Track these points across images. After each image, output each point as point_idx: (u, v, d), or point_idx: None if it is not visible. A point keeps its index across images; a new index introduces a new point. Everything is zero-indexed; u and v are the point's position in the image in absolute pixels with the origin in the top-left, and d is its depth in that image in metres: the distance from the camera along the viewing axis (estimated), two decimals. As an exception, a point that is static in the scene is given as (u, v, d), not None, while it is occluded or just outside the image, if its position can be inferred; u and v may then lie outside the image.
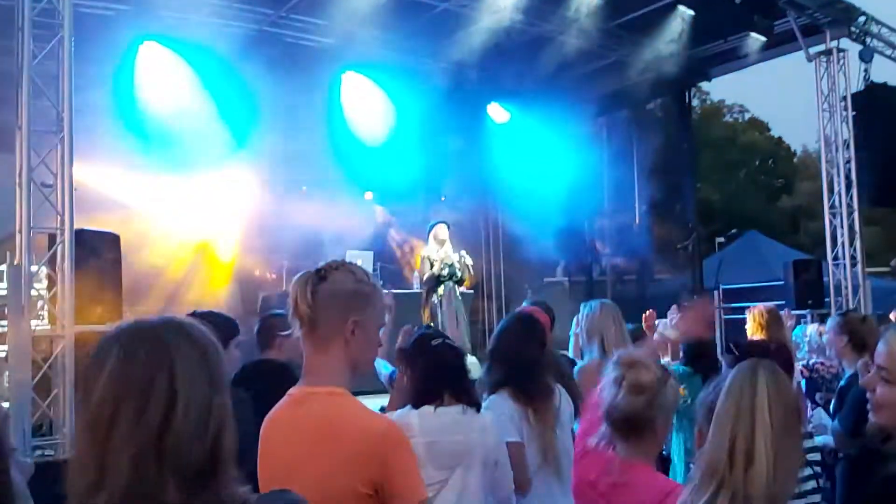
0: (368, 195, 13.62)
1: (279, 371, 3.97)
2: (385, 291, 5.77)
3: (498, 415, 3.44)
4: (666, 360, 5.98)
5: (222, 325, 3.55)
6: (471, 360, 7.86)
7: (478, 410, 3.21)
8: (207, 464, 1.26)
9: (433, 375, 3.21)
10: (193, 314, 3.58)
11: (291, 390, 2.15)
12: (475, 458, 3.07)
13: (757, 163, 36.47)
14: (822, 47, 11.30)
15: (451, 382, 3.20)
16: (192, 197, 12.19)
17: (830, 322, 5.28)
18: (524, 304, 5.36)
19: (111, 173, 11.21)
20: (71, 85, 5.87)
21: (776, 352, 3.66)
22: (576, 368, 4.43)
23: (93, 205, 10.05)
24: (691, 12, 10.09)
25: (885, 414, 1.89)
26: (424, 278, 9.13)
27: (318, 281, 2.07)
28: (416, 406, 3.13)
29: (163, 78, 10.70)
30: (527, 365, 3.57)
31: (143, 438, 1.20)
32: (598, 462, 2.59)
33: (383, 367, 4.09)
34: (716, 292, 12.75)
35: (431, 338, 3.40)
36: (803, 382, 5.77)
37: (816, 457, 3.92)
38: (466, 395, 3.20)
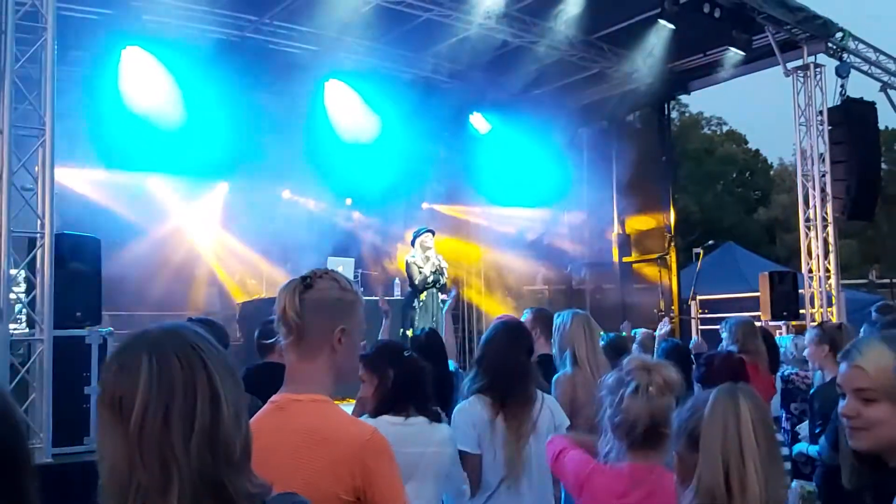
0: (348, 201, 13.63)
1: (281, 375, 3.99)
2: (385, 297, 5.76)
3: (462, 422, 3.49)
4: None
5: (218, 331, 3.57)
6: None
7: (439, 422, 3.26)
8: (243, 456, 1.33)
9: (401, 387, 3.24)
10: (190, 320, 3.61)
11: (274, 397, 2.15)
12: (428, 471, 3.10)
13: (734, 175, 36.79)
14: (799, 62, 11.49)
15: (418, 395, 3.24)
16: (173, 201, 12.19)
17: (809, 334, 5.37)
18: (525, 312, 5.35)
19: (92, 177, 11.18)
20: (53, 88, 5.85)
21: (739, 363, 3.68)
22: (553, 378, 4.44)
23: (74, 208, 10.11)
24: (671, 26, 10.18)
25: (872, 434, 1.85)
26: (416, 281, 9.14)
27: (305, 289, 2.09)
28: (374, 415, 3.15)
29: (145, 83, 10.65)
30: (508, 373, 3.57)
31: (200, 436, 1.25)
32: (619, 476, 2.53)
33: None
34: (692, 303, 12.85)
35: (402, 349, 3.45)
36: (779, 393, 5.86)
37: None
38: (432, 410, 3.25)
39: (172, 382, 1.27)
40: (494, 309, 13.35)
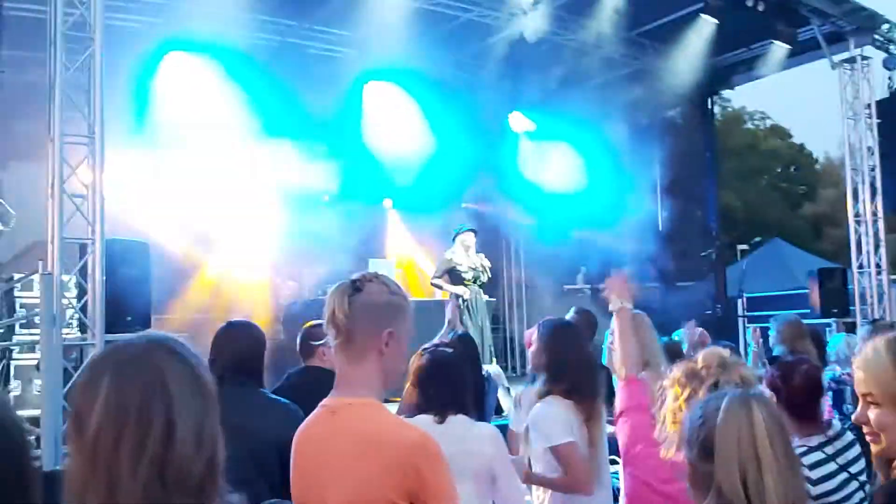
0: (388, 202, 13.68)
1: (328, 378, 4.02)
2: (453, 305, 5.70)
3: (546, 417, 3.47)
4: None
5: (259, 334, 3.60)
6: (494, 370, 7.89)
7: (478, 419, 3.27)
8: (206, 478, 1.30)
9: (429, 383, 3.25)
10: (230, 324, 3.64)
11: (325, 401, 2.17)
12: (466, 470, 3.03)
13: (779, 170, 36.25)
14: (845, 55, 11.27)
15: (446, 393, 3.23)
16: (218, 205, 12.31)
17: (861, 332, 5.27)
18: (569, 312, 5.29)
19: (138, 182, 11.34)
20: (102, 96, 5.97)
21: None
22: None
23: (122, 214, 10.28)
24: (714, 21, 10.06)
25: (882, 440, 1.85)
26: (433, 281, 9.17)
27: (354, 292, 2.10)
28: (411, 416, 3.17)
29: (188, 88, 10.81)
30: (581, 372, 3.58)
31: (147, 463, 1.24)
32: (671, 465, 2.49)
33: None
34: (739, 301, 12.68)
35: (434, 343, 3.45)
36: (830, 395, 5.73)
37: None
38: (461, 407, 3.22)
39: (127, 407, 1.26)
40: (534, 311, 13.30)
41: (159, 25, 10.19)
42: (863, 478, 2.93)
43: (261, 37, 11.18)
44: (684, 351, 6.11)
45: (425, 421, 3.11)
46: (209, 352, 3.45)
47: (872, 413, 1.85)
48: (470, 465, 3.06)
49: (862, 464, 2.98)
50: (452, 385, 3.26)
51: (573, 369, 3.59)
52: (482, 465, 3.11)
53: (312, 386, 3.88)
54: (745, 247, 25.13)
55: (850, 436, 3.09)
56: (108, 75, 9.29)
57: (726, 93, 31.68)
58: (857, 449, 3.04)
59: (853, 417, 1.92)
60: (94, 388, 1.28)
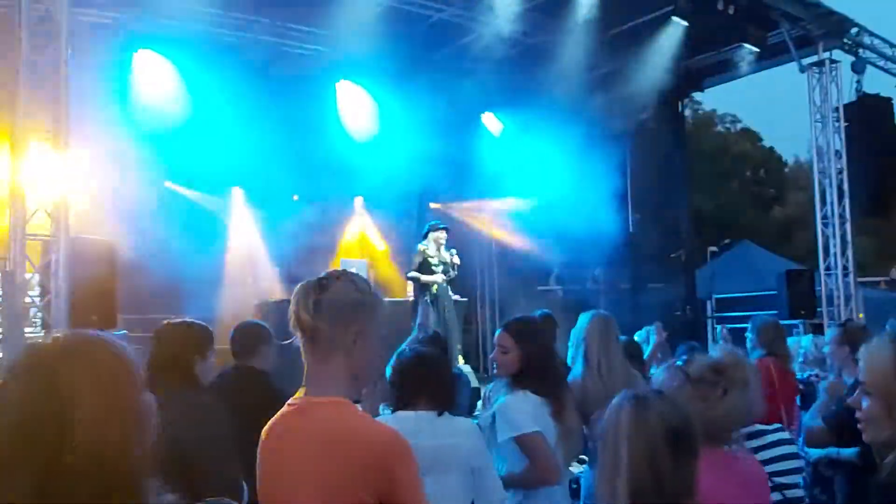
0: (359, 201, 13.63)
1: (259, 377, 4.00)
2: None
3: (512, 409, 3.45)
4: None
5: (196, 333, 3.55)
6: (464, 368, 7.87)
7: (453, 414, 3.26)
8: (124, 479, 1.29)
9: (411, 380, 3.26)
10: (169, 323, 3.59)
11: (292, 399, 2.13)
12: (450, 464, 3.07)
13: (749, 173, 36.61)
14: (814, 58, 11.40)
15: (428, 389, 3.23)
16: (186, 204, 12.21)
17: (830, 333, 5.31)
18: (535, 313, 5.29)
19: (109, 181, 11.20)
20: (68, 92, 5.86)
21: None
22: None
23: (92, 213, 10.16)
24: (685, 23, 10.12)
25: (869, 430, 1.90)
26: (410, 274, 9.16)
27: (320, 290, 2.07)
28: (395, 410, 3.19)
29: (157, 86, 10.69)
30: (549, 366, 3.60)
31: (42, 470, 1.23)
32: None
33: None
34: (709, 302, 12.80)
35: (411, 344, 3.45)
36: (798, 397, 5.77)
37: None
38: (443, 402, 3.23)
39: (16, 409, 1.25)
40: (506, 312, 13.30)
41: (126, 21, 10.05)
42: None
43: (232, 34, 11.08)
44: (648, 352, 6.15)
45: (406, 417, 3.13)
46: None
47: (865, 402, 1.89)
48: (452, 458, 3.08)
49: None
50: (431, 383, 3.26)
51: (541, 365, 3.58)
52: (463, 459, 3.13)
53: (242, 385, 3.86)
54: (715, 249, 25.34)
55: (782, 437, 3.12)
56: (77, 71, 9.33)
57: (697, 95, 32.02)
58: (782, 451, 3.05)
59: (849, 401, 1.98)
60: (1, 388, 1.28)
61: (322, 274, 2.14)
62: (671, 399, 2.01)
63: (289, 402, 2.14)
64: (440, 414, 3.19)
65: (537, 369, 3.56)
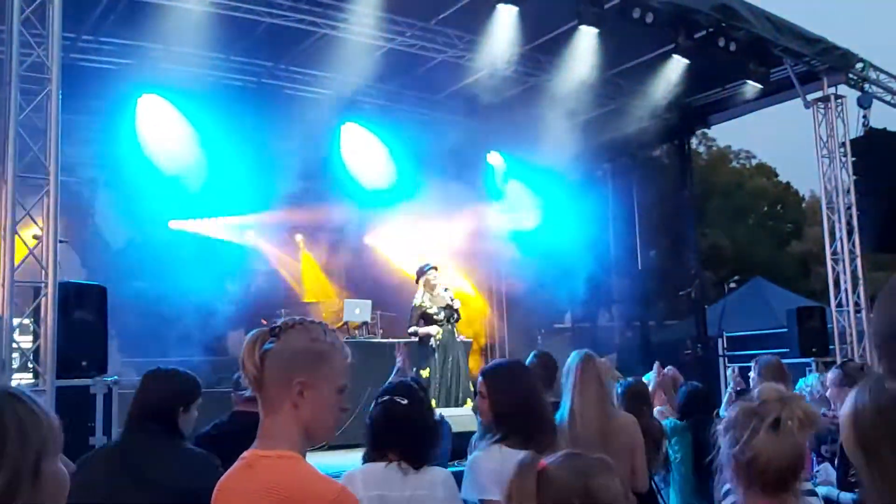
0: (367, 240, 13.63)
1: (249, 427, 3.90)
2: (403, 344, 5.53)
3: (482, 468, 3.31)
4: (659, 408, 5.89)
5: (182, 385, 3.50)
6: (469, 410, 7.74)
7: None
8: None
9: (375, 433, 3.21)
10: (156, 371, 3.54)
11: (244, 454, 2.07)
12: None
13: (765, 208, 36.39)
14: (819, 94, 11.31)
15: (397, 441, 3.16)
16: (195, 247, 12.24)
17: (831, 375, 5.24)
18: (531, 356, 5.19)
19: (116, 222, 11.27)
20: (58, 138, 5.89)
21: None
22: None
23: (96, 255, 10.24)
24: (686, 61, 10.11)
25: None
26: (410, 330, 9.09)
27: (271, 339, 2.01)
28: (366, 461, 3.14)
29: (163, 130, 10.81)
30: (525, 415, 3.42)
31: None
32: None
33: None
34: (720, 340, 12.61)
35: (382, 395, 3.37)
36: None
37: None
38: (414, 454, 3.15)
39: None
40: (518, 349, 13.19)
41: (132, 67, 10.17)
42: None
43: (237, 77, 11.22)
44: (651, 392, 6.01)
45: (375, 469, 3.09)
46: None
47: None
48: None
49: None
50: (403, 436, 3.19)
51: (514, 413, 3.44)
52: None
53: (238, 433, 3.77)
54: (733, 284, 25.15)
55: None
56: (81, 115, 9.44)
57: (711, 132, 32.01)
58: None
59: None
60: None
61: (279, 321, 2.07)
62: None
63: (241, 456, 2.08)
64: (414, 465, 3.10)
65: (509, 417, 3.44)
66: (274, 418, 1.99)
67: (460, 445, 3.97)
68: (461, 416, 6.89)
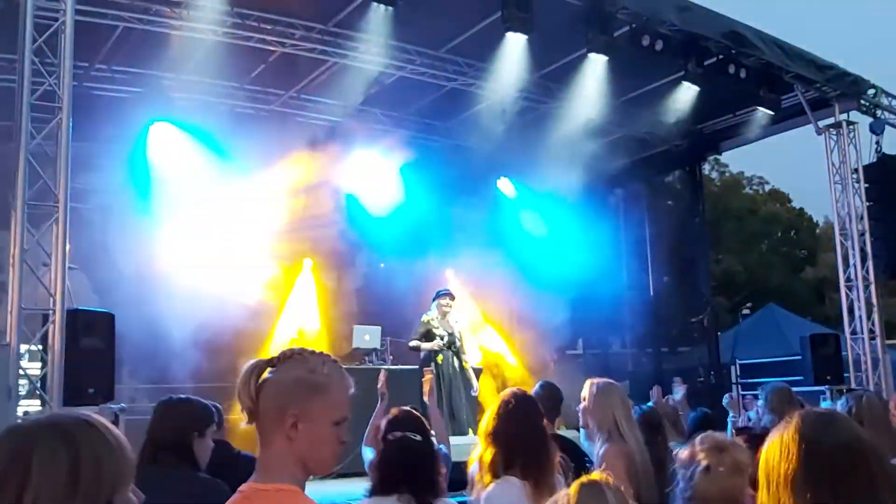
0: (382, 266, 13.63)
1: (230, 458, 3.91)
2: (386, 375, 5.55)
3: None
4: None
5: (197, 412, 3.50)
6: (471, 439, 7.66)
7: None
8: None
9: (389, 469, 3.17)
10: (169, 400, 3.54)
11: (242, 487, 2.04)
12: None
13: (779, 234, 36.24)
14: (831, 120, 11.28)
15: (407, 478, 3.13)
16: (206, 273, 12.25)
17: (839, 403, 5.15)
18: (536, 386, 5.16)
19: (128, 248, 11.31)
20: (68, 167, 5.93)
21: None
22: (599, 452, 4.19)
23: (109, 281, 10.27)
24: (696, 88, 10.10)
25: None
26: (411, 344, 9.07)
27: (267, 370, 1.99)
28: (371, 495, 3.10)
29: (175, 158, 10.88)
30: (530, 445, 3.42)
31: None
32: None
33: (369, 453, 3.99)
34: (732, 367, 12.50)
35: (394, 427, 3.33)
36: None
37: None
38: (423, 490, 3.12)
39: None
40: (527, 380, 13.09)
41: (144, 96, 10.27)
42: None
43: (249, 105, 11.30)
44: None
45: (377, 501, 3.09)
46: None
47: None
48: None
49: None
50: (419, 472, 3.19)
51: (515, 446, 3.42)
52: None
53: (219, 462, 3.76)
54: (747, 311, 24.97)
55: None
56: (95, 143, 9.51)
57: (724, 158, 31.95)
58: None
59: None
60: None
61: (279, 351, 2.04)
62: None
63: (238, 489, 2.05)
64: (426, 501, 3.10)
65: (510, 451, 3.42)
66: (270, 451, 1.96)
67: (459, 475, 3.92)
68: (460, 446, 6.82)
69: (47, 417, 1.36)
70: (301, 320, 12.71)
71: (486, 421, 3.61)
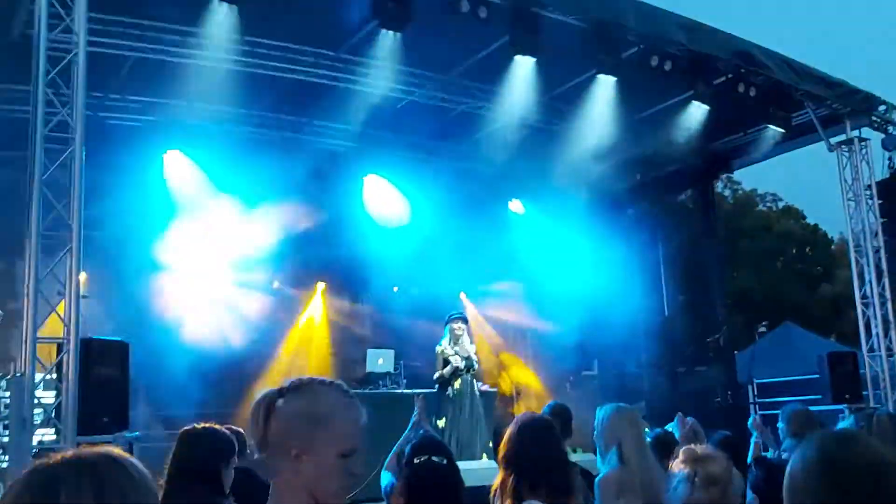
0: (395, 289, 13.64)
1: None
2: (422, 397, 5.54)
3: None
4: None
5: (222, 443, 3.50)
6: (485, 464, 7.63)
7: None
8: None
9: (414, 492, 3.13)
10: (192, 429, 3.54)
11: None
12: None
13: (794, 251, 35.99)
14: (843, 137, 11.25)
15: (432, 501, 3.11)
16: (222, 299, 12.30)
17: (846, 423, 5.11)
18: (544, 409, 5.16)
19: (142, 276, 11.37)
20: (81, 198, 5.98)
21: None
22: (596, 480, 4.17)
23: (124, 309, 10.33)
24: (706, 107, 10.09)
25: None
26: (435, 377, 9.06)
27: (278, 401, 1.98)
28: None
29: (189, 185, 10.97)
30: (547, 469, 3.38)
31: None
32: None
33: (387, 477, 3.98)
34: (749, 387, 12.40)
35: (417, 453, 3.31)
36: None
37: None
38: None
39: None
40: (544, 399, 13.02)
41: (158, 125, 10.38)
42: None
43: (261, 132, 11.38)
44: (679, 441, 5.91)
45: None
46: None
47: None
48: None
49: None
50: (444, 497, 3.22)
51: (548, 469, 3.40)
52: None
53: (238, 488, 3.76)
54: (763, 329, 24.76)
55: None
56: (109, 171, 9.60)
57: (737, 175, 31.86)
58: None
59: None
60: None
61: (287, 382, 2.03)
62: None
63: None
64: None
65: (531, 474, 3.40)
66: (279, 481, 1.96)
67: (473, 500, 3.89)
68: (475, 470, 6.78)
69: (72, 454, 1.37)
70: (314, 344, 12.75)
71: (503, 446, 3.59)
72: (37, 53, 6.00)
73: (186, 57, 8.95)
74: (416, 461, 3.27)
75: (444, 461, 3.31)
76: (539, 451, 3.45)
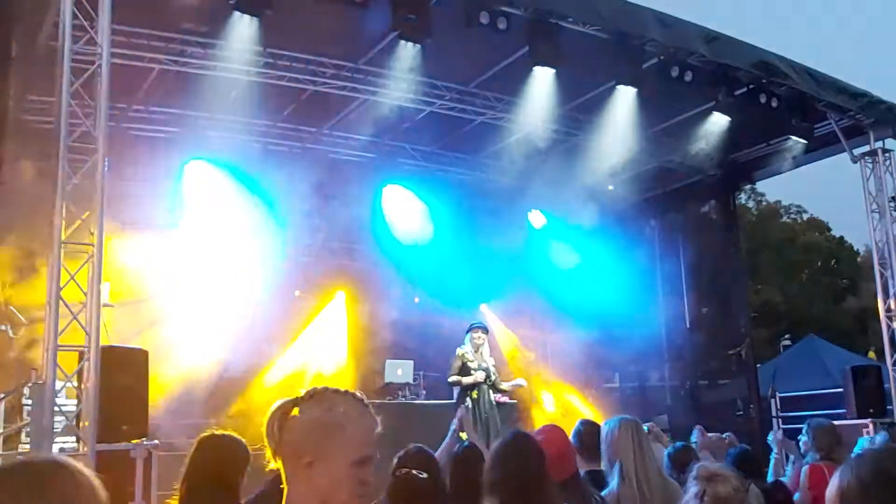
0: (416, 300, 13.64)
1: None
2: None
3: None
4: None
5: (239, 451, 3.52)
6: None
7: None
8: None
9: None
10: (212, 436, 3.56)
11: None
12: None
13: (819, 263, 35.67)
14: (866, 148, 11.12)
15: None
16: (242, 308, 12.35)
17: (878, 438, 5.05)
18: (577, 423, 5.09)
19: (164, 284, 11.46)
20: (102, 207, 6.04)
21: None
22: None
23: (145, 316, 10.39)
24: (728, 118, 10.03)
25: None
26: (450, 379, 9.04)
27: (292, 409, 2.00)
28: None
29: (210, 195, 11.06)
30: (520, 492, 3.29)
31: None
32: None
33: None
34: (773, 401, 12.26)
35: (402, 464, 3.31)
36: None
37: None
38: None
39: None
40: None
41: (181, 136, 10.49)
42: None
43: (282, 143, 11.47)
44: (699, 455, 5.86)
45: None
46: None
47: None
48: None
49: None
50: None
51: (514, 489, 3.30)
52: None
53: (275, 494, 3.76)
54: (787, 342, 24.53)
55: None
56: (132, 182, 9.71)
57: (761, 187, 31.60)
58: None
59: None
60: None
61: (303, 391, 2.05)
62: None
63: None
64: None
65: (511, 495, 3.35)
66: (293, 489, 1.97)
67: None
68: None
69: (21, 461, 1.38)
70: (332, 354, 12.75)
71: (485, 473, 3.46)
72: (61, 65, 6.08)
73: (208, 69, 9.04)
74: (397, 474, 3.26)
75: (425, 475, 3.28)
76: (518, 474, 3.37)
